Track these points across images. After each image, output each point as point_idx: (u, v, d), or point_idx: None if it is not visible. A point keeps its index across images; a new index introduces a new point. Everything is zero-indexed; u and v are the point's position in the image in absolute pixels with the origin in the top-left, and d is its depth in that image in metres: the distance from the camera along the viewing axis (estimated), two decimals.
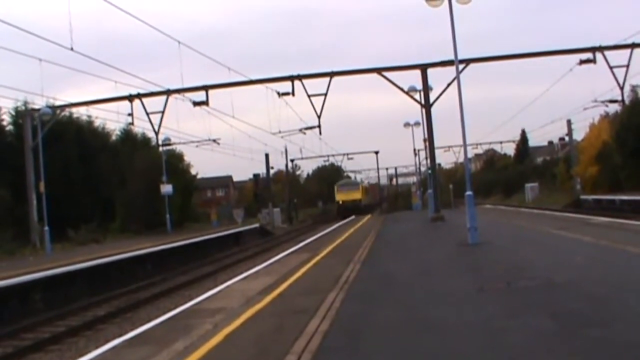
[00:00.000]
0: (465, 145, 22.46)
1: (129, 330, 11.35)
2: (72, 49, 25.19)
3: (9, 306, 18.73)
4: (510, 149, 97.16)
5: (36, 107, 39.62)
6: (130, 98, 37.08)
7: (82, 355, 8.89)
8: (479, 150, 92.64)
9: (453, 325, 9.04)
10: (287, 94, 35.24)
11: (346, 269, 16.23)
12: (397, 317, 10.03)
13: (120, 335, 10.93)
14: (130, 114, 37.98)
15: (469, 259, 17.12)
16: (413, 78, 36.46)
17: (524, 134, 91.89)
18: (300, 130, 40.76)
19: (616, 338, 7.55)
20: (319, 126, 36.98)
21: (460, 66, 25.34)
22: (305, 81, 35.26)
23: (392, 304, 11.27)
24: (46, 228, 34.89)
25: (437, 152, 41.08)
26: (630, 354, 6.94)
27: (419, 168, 73.79)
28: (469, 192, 21.02)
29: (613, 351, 7.07)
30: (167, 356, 8.39)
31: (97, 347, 9.27)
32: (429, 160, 41.67)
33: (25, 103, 42.17)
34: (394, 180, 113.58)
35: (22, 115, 42.47)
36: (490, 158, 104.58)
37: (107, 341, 9.81)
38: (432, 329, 8.91)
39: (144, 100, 37.25)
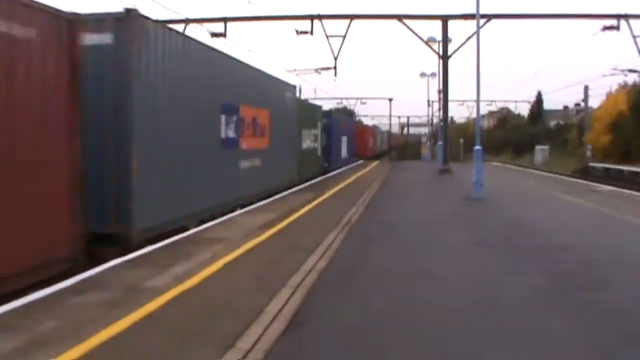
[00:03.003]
0: (478, 99, 22.36)
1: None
2: None
3: None
4: (524, 110, 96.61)
5: None
6: None
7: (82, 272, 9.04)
8: (493, 108, 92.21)
9: (448, 275, 9.18)
10: (305, 32, 34.89)
11: (349, 211, 16.36)
12: (395, 262, 10.16)
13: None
14: None
15: (471, 212, 17.22)
16: (433, 29, 36.07)
17: (539, 96, 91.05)
18: (316, 70, 40.53)
19: (605, 301, 7.73)
20: (335, 68, 36.70)
21: (482, 21, 25.10)
22: (324, 22, 34.91)
23: (391, 249, 11.40)
24: None
25: (450, 105, 40.83)
26: (615, 316, 7.10)
27: (432, 119, 73.55)
28: (477, 147, 21.00)
29: (601, 313, 7.23)
30: (166, 278, 8.53)
31: (97, 265, 9.41)
32: (441, 113, 41.49)
33: None
34: (405, 129, 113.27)
35: None
36: (504, 117, 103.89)
37: (107, 260, 9.96)
38: (428, 277, 9.04)
39: None
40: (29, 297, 7.47)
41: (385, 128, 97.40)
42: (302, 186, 25.70)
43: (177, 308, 7.21)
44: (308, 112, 30.44)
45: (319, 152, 33.17)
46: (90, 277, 8.64)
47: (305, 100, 29.38)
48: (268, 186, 20.46)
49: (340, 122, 43.79)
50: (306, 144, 29.04)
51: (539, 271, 9.40)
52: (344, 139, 45.07)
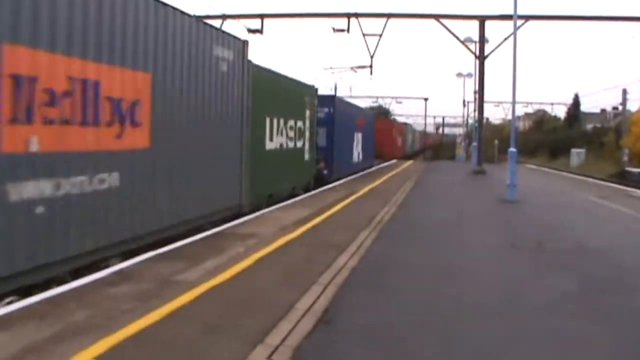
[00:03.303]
0: (514, 101, 22.16)
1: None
2: None
3: None
4: (561, 112, 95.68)
5: None
6: None
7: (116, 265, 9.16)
8: (530, 110, 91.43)
9: (479, 277, 9.14)
10: (341, 30, 34.90)
11: (381, 211, 16.34)
12: (426, 262, 10.14)
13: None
14: None
15: (504, 214, 17.10)
16: (470, 29, 35.93)
17: (576, 99, 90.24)
18: (352, 68, 40.50)
19: (635, 308, 7.64)
20: (371, 66, 36.67)
21: (519, 22, 24.88)
22: (361, 20, 34.90)
23: (423, 249, 11.37)
24: None
25: (486, 106, 40.69)
26: None
27: (467, 120, 73.11)
28: (512, 149, 20.86)
29: (630, 321, 7.15)
30: (198, 272, 8.61)
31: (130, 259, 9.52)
32: (477, 113, 41.24)
33: None
34: (441, 129, 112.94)
35: None
36: (540, 119, 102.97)
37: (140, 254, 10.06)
38: (459, 278, 9.01)
39: None
40: (62, 287, 7.59)
41: (420, 127, 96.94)
42: (335, 184, 25.59)
43: (208, 302, 7.27)
44: (283, 91, 19.10)
45: (307, 156, 22.60)
46: (123, 269, 8.74)
47: (277, 72, 18.75)
48: (150, 227, 10.66)
49: (350, 113, 32.36)
50: (277, 141, 18.36)
51: (569, 275, 9.32)
52: (358, 137, 34.40)
